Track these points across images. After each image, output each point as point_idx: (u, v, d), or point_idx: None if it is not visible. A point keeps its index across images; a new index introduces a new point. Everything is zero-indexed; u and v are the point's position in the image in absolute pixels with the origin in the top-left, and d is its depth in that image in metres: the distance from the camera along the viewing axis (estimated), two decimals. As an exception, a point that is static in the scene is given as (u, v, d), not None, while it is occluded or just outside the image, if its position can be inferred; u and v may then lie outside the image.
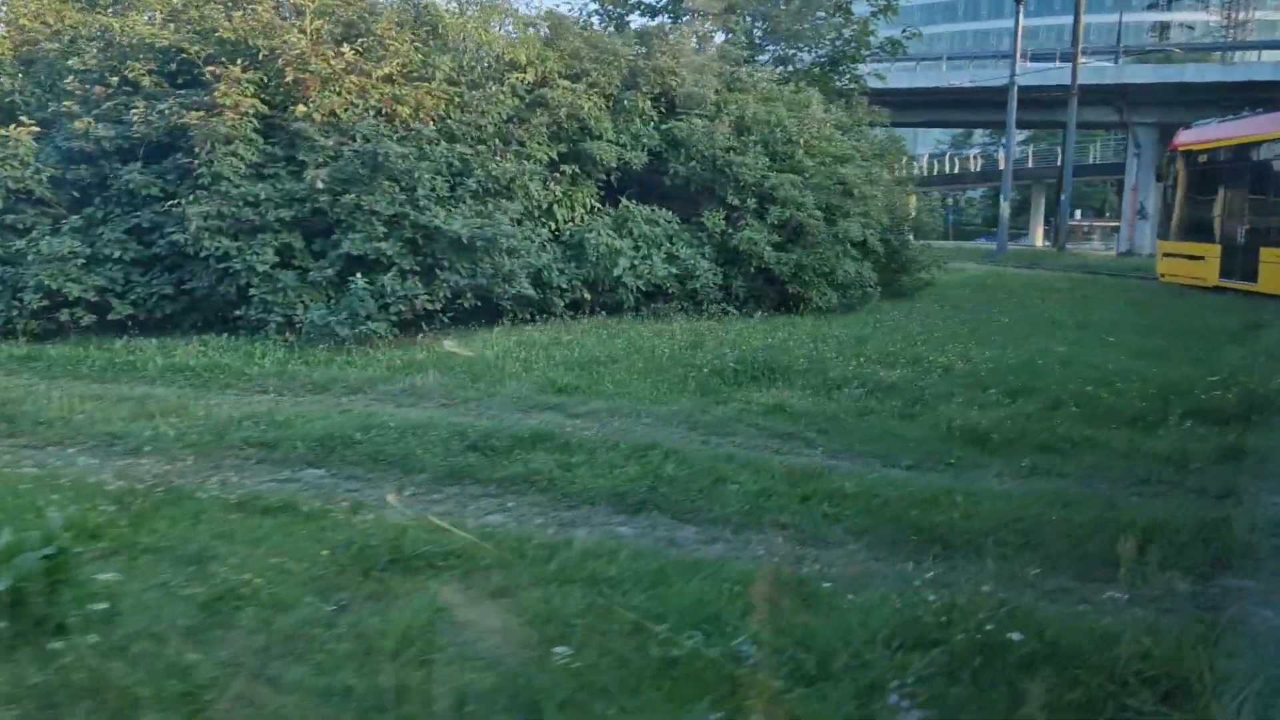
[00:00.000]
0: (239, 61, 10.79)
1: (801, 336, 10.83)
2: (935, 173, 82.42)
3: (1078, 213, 76.91)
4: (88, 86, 10.85)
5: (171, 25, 11.36)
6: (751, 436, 7.15)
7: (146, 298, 10.16)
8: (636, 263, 12.60)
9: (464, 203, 10.84)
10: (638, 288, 12.44)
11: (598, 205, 13.21)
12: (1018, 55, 42.97)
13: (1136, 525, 5.22)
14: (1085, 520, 5.30)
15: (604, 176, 13.39)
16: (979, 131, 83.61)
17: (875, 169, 15.58)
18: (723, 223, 13.78)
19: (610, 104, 13.31)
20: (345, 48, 11.11)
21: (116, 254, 10.10)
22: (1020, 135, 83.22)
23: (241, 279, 9.81)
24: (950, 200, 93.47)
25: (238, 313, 9.91)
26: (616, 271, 12.15)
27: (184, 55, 10.89)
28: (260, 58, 10.75)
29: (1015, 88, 42.69)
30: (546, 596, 3.89)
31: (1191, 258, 21.01)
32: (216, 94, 10.18)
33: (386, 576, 4.06)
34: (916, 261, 18.30)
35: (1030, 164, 77.72)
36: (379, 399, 7.93)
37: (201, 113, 10.15)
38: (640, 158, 13.12)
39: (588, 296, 12.61)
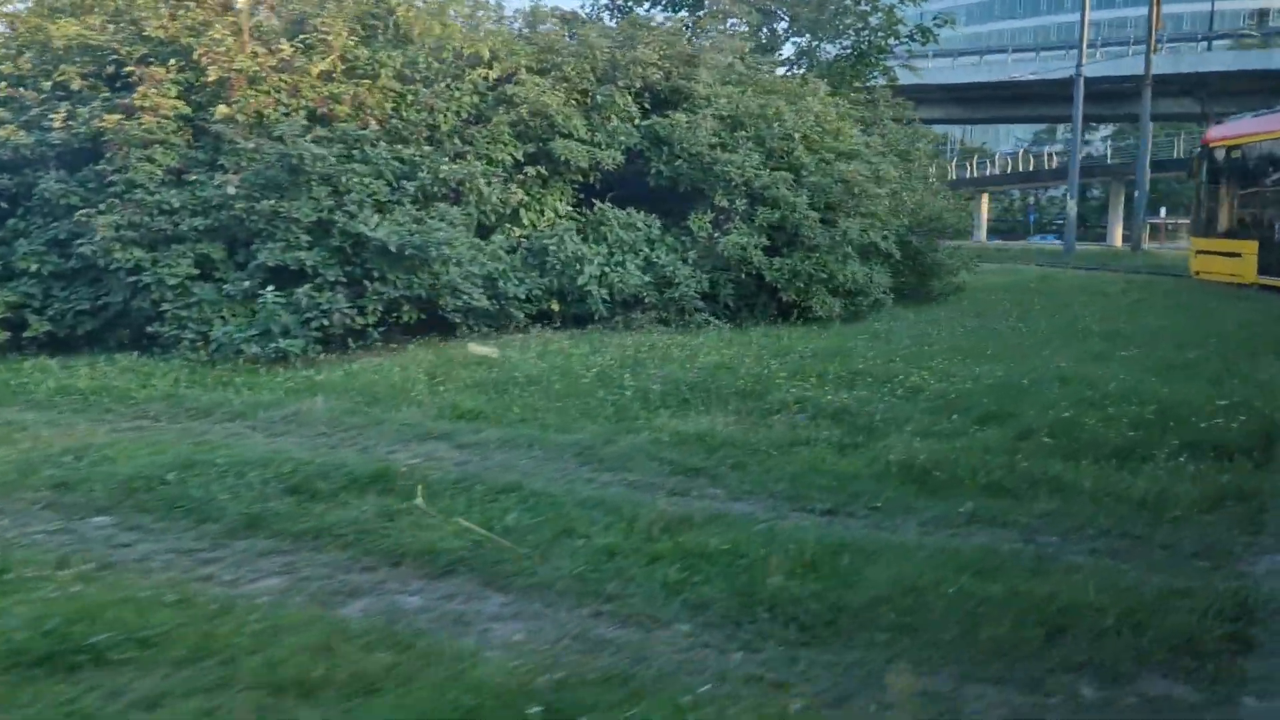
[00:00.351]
0: (173, 61, 10.22)
1: (765, 351, 9.79)
2: (1010, 170, 79.64)
3: (1162, 210, 73.41)
4: (20, 91, 10.38)
5: (112, 26, 10.84)
6: (650, 473, 6.21)
7: (64, 313, 9.61)
8: (607, 270, 11.70)
9: (401, 207, 10.06)
10: (606, 297, 11.53)
11: (571, 209, 12.34)
12: (1084, 43, 40.79)
13: (1055, 603, 4.18)
14: (993, 594, 4.26)
15: (579, 178, 12.52)
16: (1062, 127, 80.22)
17: (886, 166, 14.34)
18: (709, 226, 12.78)
19: (585, 100, 12.43)
20: (285, 43, 10.45)
21: (34, 267, 9.58)
22: (1104, 130, 79.80)
23: (154, 293, 9.18)
24: (1031, 199, 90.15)
25: (150, 329, 9.28)
26: (581, 280, 11.26)
27: (116, 57, 10.35)
28: (194, 57, 10.14)
29: (1081, 79, 40.57)
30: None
31: (1228, 255, 20.62)
32: (135, 96, 9.59)
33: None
34: (944, 265, 17.00)
35: (1109, 160, 74.59)
36: (252, 427, 7.18)
37: (120, 116, 9.57)
38: (615, 157, 12.22)
39: (555, 307, 11.74)
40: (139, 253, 9.30)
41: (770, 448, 6.68)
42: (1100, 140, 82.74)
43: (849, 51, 20.78)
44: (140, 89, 9.66)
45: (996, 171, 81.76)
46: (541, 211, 12.08)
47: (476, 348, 10.11)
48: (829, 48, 20.80)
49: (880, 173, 13.97)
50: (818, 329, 12.61)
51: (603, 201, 12.82)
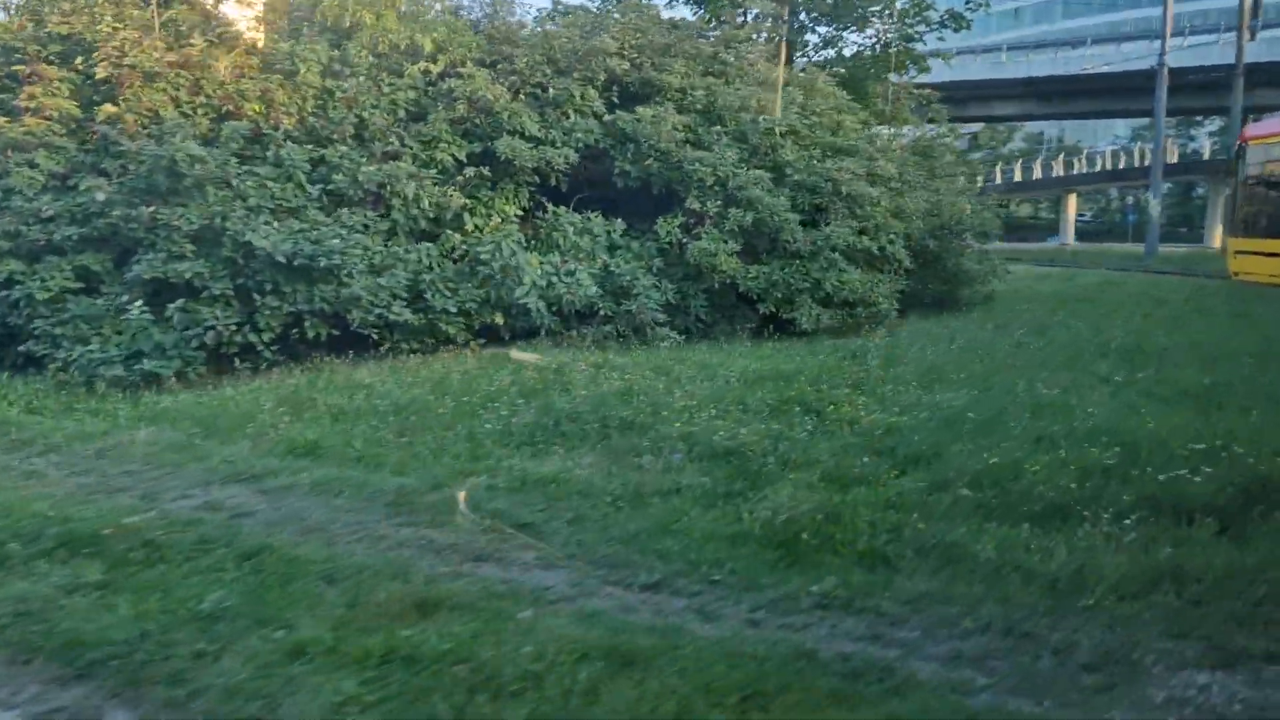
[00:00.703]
0: (78, 59, 9.60)
1: (698, 372, 8.67)
2: (1101, 168, 75.94)
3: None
4: (-73, 96, 9.90)
5: (31, 24, 10.30)
6: (463, 533, 5.18)
7: (-54, 332, 9.03)
8: (555, 280, 10.69)
9: (307, 213, 9.23)
10: (554, 310, 10.52)
11: (522, 213, 11.38)
12: (1167, 30, 38.17)
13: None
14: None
15: (534, 180, 11.55)
16: (1168, 120, 75.75)
17: (884, 163, 12.96)
18: (678, 231, 11.68)
19: (539, 94, 11.46)
20: (197, 38, 9.74)
21: (-85, 283, 9.01)
22: (1211, 124, 75.29)
23: (26, 308, 8.52)
24: (1130, 199, 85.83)
25: (20, 348, 8.62)
26: (519, 292, 10.28)
27: (20, 55, 9.78)
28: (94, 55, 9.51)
29: (1165, 70, 38.01)
30: None
31: (1271, 255, 20.12)
32: (21, 96, 8.97)
33: None
34: (970, 272, 15.51)
35: (1206, 156, 70.57)
36: (58, 463, 6.38)
37: (5, 119, 8.96)
38: (567, 156, 11.21)
39: (499, 321, 10.78)
40: (15, 264, 8.64)
41: (625, 497, 5.60)
42: (1206, 135, 78.30)
43: (874, 42, 19.37)
44: (27, 89, 9.03)
45: (1084, 170, 78.16)
46: (489, 216, 11.14)
47: (519, 354, 9.66)
48: (853, 37, 19.42)
49: (877, 170, 12.62)
50: (798, 344, 11.41)
51: (570, 205, 11.87)
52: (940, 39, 20.51)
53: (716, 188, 11.60)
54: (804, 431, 6.79)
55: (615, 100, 12.29)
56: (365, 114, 10.24)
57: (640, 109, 11.63)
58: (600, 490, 5.70)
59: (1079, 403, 7.67)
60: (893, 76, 19.68)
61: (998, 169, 73.48)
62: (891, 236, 13.39)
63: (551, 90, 11.32)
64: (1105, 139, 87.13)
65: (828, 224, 11.84)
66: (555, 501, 5.58)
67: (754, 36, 14.42)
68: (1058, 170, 72.88)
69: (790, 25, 18.88)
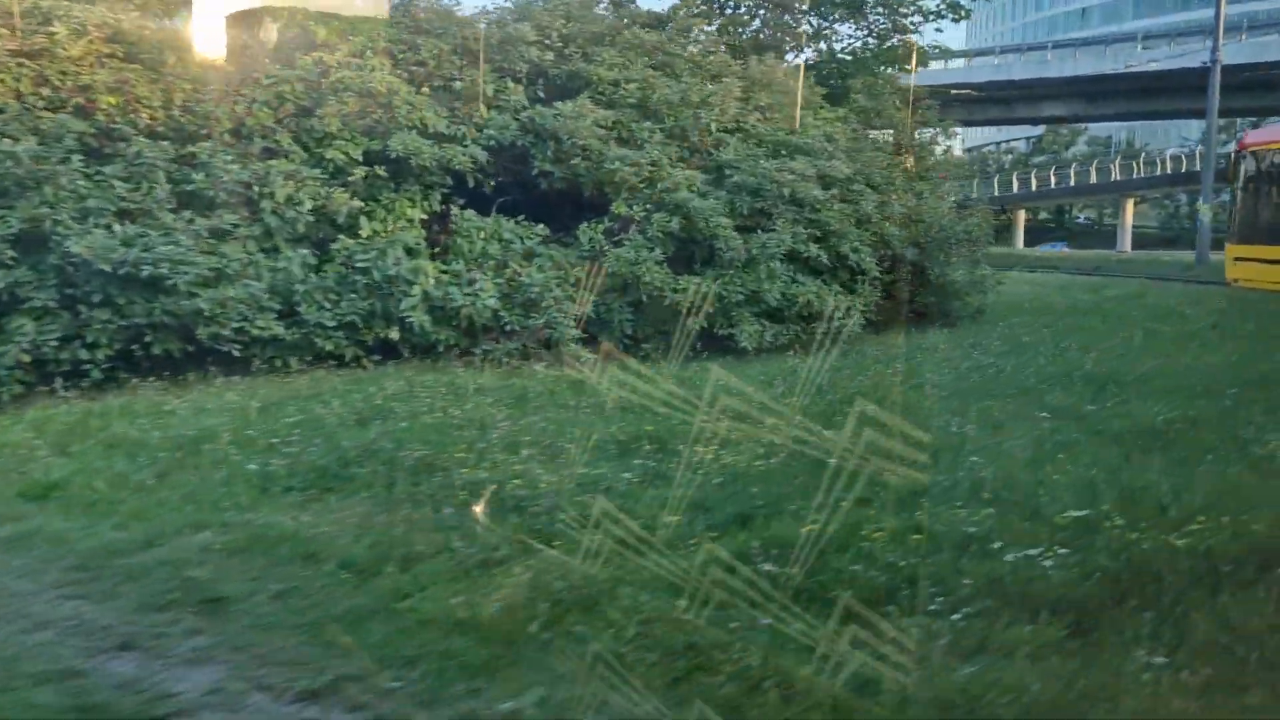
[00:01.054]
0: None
1: (557, 399, 7.70)
2: (1161, 172, 73.10)
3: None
4: None
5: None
6: (142, 604, 4.30)
7: None
8: (454, 291, 9.77)
9: (156, 216, 8.41)
10: (429, 324, 9.60)
11: (426, 217, 10.48)
12: (1220, 26, 36.18)
13: None
14: None
15: (445, 181, 10.66)
16: (1240, 122, 72.23)
17: (837, 163, 11.78)
18: (602, 237, 10.69)
19: (448, 87, 10.57)
20: (58, 25, 9.00)
21: None
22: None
23: None
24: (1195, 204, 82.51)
25: None
26: (406, 303, 9.37)
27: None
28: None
29: (1218, 67, 36.03)
30: None
31: (1272, 262, 20.47)
32: None
33: None
34: (956, 284, 14.26)
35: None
36: None
37: None
38: (474, 154, 10.29)
39: (394, 336, 9.87)
40: None
41: (360, 565, 4.63)
42: (1267, 136, 74.94)
43: (866, 34, 18.12)
44: None
45: (1142, 174, 75.42)
46: (389, 220, 10.25)
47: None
48: (846, 29, 18.18)
49: (828, 171, 11.48)
50: (730, 364, 10.34)
51: (493, 209, 10.97)
52: (939, 29, 19.16)
53: (645, 189, 10.59)
54: (636, 478, 5.76)
55: (541, 94, 11.35)
56: (240, 107, 9.41)
57: (560, 103, 10.66)
58: (338, 554, 4.73)
59: (998, 443, 6.57)
60: (891, 72, 18.46)
61: (1050, 173, 71.30)
62: (856, 244, 12.28)
63: (459, 83, 10.39)
64: (1175, 141, 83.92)
65: (772, 230, 10.74)
66: (275, 567, 4.63)
67: (707, 25, 13.33)
68: (1115, 174, 70.46)
69: (775, 17, 17.81)
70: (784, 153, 11.81)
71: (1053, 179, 71.39)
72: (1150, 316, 16.77)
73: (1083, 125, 75.94)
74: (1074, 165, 74.14)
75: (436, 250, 10.48)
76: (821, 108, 14.46)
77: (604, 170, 10.50)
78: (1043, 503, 4.98)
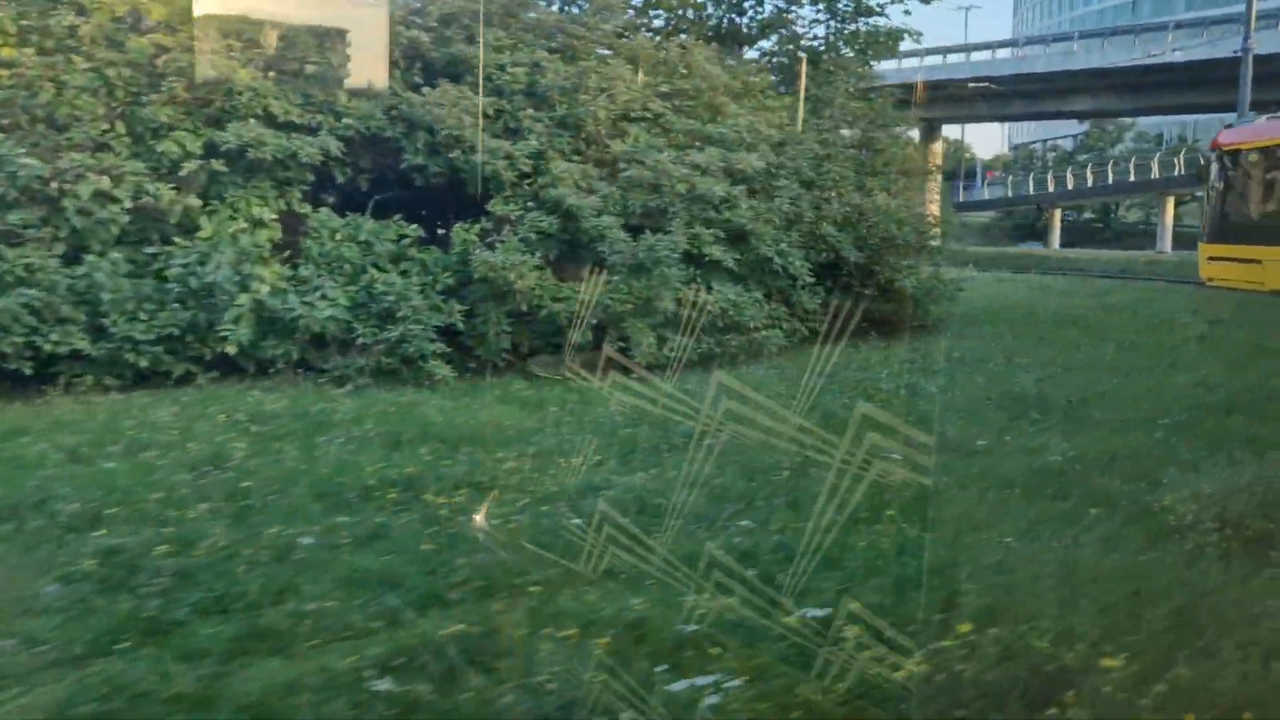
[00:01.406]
0: None
1: (348, 423, 6.64)
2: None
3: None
4: None
5: None
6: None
7: None
8: (292, 297, 8.76)
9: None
10: (252, 338, 8.59)
11: (276, 216, 9.46)
12: (1253, 12, 34.25)
13: None
14: None
15: (304, 176, 9.65)
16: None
17: (743, 154, 10.54)
18: (475, 238, 9.63)
19: (300, 72, 9.56)
20: None
21: None
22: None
23: None
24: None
25: None
26: (230, 314, 8.36)
27: None
28: None
29: (1249, 56, 34.19)
30: None
31: (1246, 261, 20.73)
32: None
33: None
34: (905, 291, 12.96)
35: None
36: None
37: None
38: (324, 145, 9.27)
39: (228, 350, 8.87)
40: None
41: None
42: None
43: (830, 17, 16.80)
44: None
45: (1182, 171, 72.88)
46: (236, 220, 9.26)
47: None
48: (807, 13, 16.87)
49: (737, 164, 10.29)
50: (604, 383, 9.23)
51: (367, 208, 9.97)
52: (907, 12, 17.85)
53: (526, 185, 9.51)
54: (348, 536, 4.66)
55: (420, 80, 10.31)
56: (45, 94, 8.46)
57: (428, 90, 9.61)
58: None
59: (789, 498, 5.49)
60: (867, 59, 17.18)
61: (1087, 170, 69.10)
62: (783, 247, 11.10)
63: (309, 67, 9.38)
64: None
65: (669, 230, 9.60)
66: None
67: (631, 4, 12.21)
68: (1155, 172, 68.21)
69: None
70: (698, 145, 10.66)
71: (1090, 177, 69.05)
72: (1139, 326, 15.39)
73: (1129, 121, 73.57)
74: (1111, 163, 71.91)
75: (288, 254, 9.48)
76: (767, 96, 13.28)
77: (474, 164, 9.43)
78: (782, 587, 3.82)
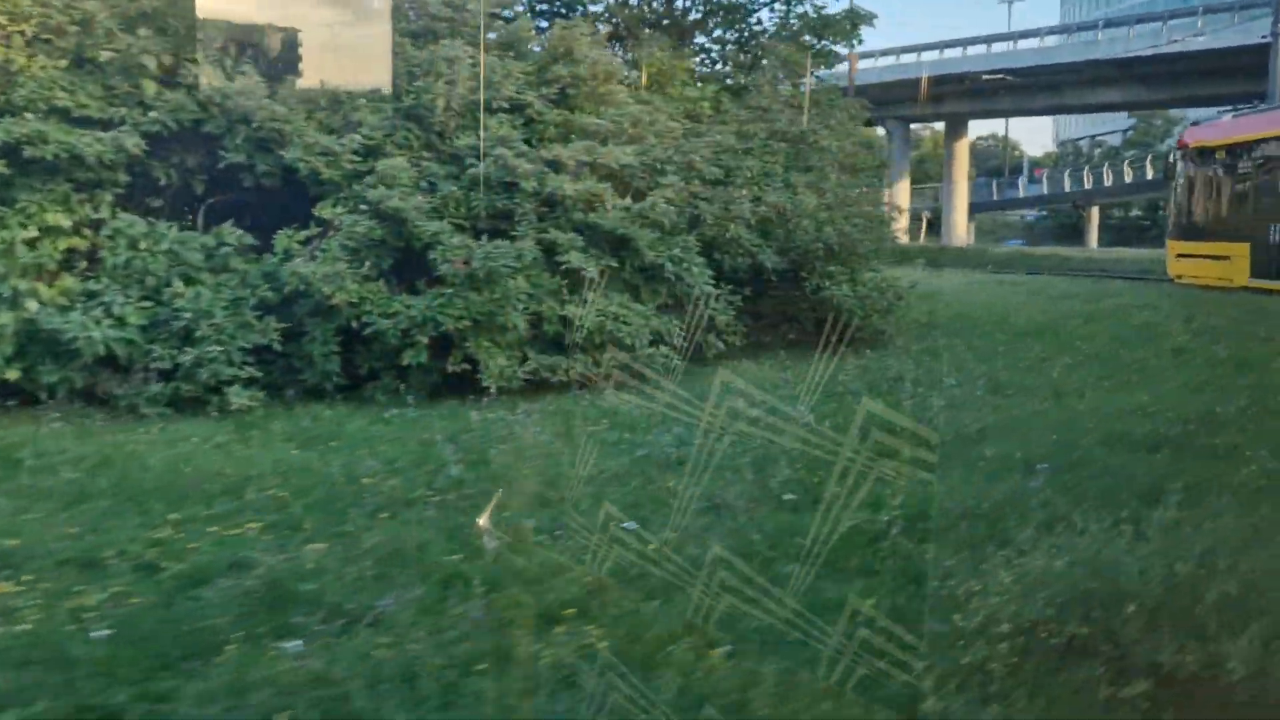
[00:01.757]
0: None
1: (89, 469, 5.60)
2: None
3: None
4: None
5: None
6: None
7: None
8: (71, 316, 7.72)
9: None
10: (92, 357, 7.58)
11: (73, 223, 8.43)
12: (1285, -6, 32.27)
13: None
14: None
15: (116, 180, 8.62)
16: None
17: (619, 152, 9.28)
18: (299, 245, 8.53)
19: (92, 59, 8.53)
20: None
21: None
22: None
23: None
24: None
25: None
26: (-14, 337, 7.34)
27: None
28: None
29: (1279, 41, 32.34)
30: None
31: (1214, 258, 21.10)
32: None
33: None
34: (837, 301, 11.61)
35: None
36: None
37: None
38: (119, 142, 8.20)
39: (11, 376, 7.87)
40: None
41: None
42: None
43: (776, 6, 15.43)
44: None
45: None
46: (26, 229, 8.24)
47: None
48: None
49: (601, 159, 9.07)
50: (454, 411, 8.09)
51: (200, 214, 8.94)
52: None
53: (340, 183, 8.41)
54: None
55: (259, 71, 9.23)
56: None
57: (241, 78, 8.54)
58: None
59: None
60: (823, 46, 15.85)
61: (1125, 166, 66.59)
62: (678, 253, 9.90)
63: (105, 54, 8.33)
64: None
65: (513, 236, 8.42)
66: None
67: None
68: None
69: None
70: (573, 137, 9.48)
71: (1128, 173, 66.35)
72: (1114, 337, 13.92)
73: (1180, 113, 70.90)
74: (1150, 158, 69.35)
75: (85, 266, 8.45)
76: (686, 85, 12.06)
77: (290, 161, 8.34)
78: None
